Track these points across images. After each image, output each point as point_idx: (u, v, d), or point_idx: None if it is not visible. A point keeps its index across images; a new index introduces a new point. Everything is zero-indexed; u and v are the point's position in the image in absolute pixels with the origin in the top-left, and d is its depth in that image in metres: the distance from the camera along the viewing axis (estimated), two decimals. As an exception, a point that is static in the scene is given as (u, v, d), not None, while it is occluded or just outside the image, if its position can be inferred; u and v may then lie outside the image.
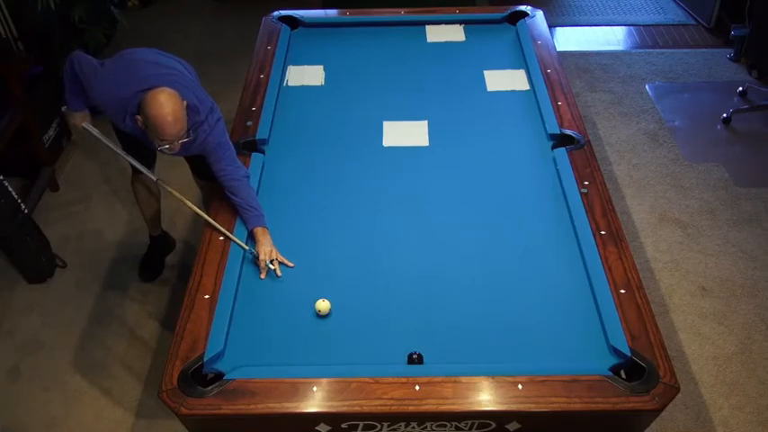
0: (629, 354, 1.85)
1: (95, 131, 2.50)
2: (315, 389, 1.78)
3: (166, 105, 2.05)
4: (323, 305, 2.02)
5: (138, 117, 2.12)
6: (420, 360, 1.88)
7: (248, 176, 2.34)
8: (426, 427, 1.83)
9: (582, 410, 1.74)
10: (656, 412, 1.77)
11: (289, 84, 3.00)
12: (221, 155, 2.29)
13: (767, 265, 3.12)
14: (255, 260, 2.18)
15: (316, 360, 1.91)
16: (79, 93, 2.40)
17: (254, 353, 1.93)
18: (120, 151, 2.51)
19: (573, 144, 2.59)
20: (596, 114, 4.05)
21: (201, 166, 2.74)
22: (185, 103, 2.13)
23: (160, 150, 2.19)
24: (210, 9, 5.18)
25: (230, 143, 2.34)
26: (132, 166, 2.71)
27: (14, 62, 3.33)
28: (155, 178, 2.41)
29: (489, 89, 2.94)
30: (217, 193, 2.40)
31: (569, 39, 4.78)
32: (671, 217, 3.38)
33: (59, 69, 3.70)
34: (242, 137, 2.62)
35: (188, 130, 2.14)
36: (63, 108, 2.55)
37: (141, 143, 2.45)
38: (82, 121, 2.52)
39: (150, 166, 2.65)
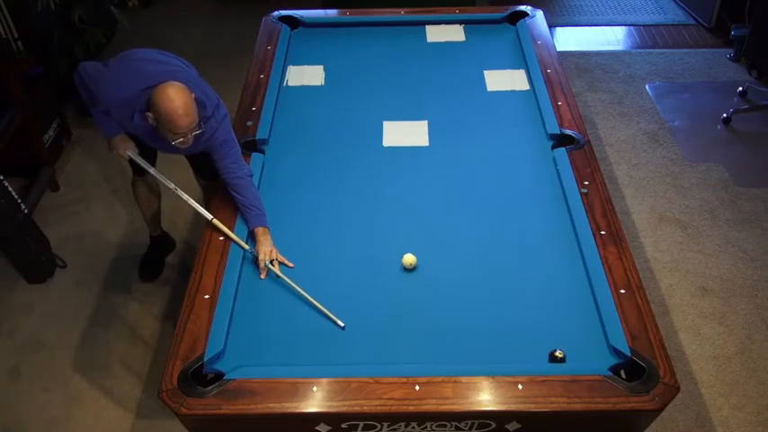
0: (629, 354, 1.85)
1: (141, 161, 2.49)
2: (315, 389, 1.78)
3: (177, 99, 2.04)
4: (411, 259, 2.13)
5: (149, 114, 2.11)
6: (563, 359, 1.87)
7: (252, 175, 2.34)
8: (426, 427, 1.83)
9: (582, 410, 1.74)
10: (656, 412, 1.77)
11: (289, 84, 3.00)
12: (227, 152, 2.28)
13: (767, 265, 3.12)
14: (255, 260, 2.18)
15: (316, 360, 1.91)
16: (97, 103, 2.34)
17: (254, 353, 1.93)
18: (165, 180, 2.46)
19: (573, 144, 2.59)
20: (596, 114, 4.05)
21: (203, 166, 2.74)
22: (193, 95, 2.13)
23: (174, 145, 2.18)
24: (210, 9, 5.18)
25: (236, 140, 2.34)
26: (133, 167, 2.71)
27: (14, 62, 3.33)
28: (208, 214, 2.35)
29: (489, 89, 2.94)
30: (218, 193, 2.40)
31: (569, 39, 4.78)
32: (671, 217, 3.38)
33: (59, 69, 3.71)
34: (242, 137, 2.62)
35: (199, 121, 2.14)
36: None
37: (144, 144, 2.45)
38: (125, 149, 2.49)
39: (152, 165, 2.64)
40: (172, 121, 2.06)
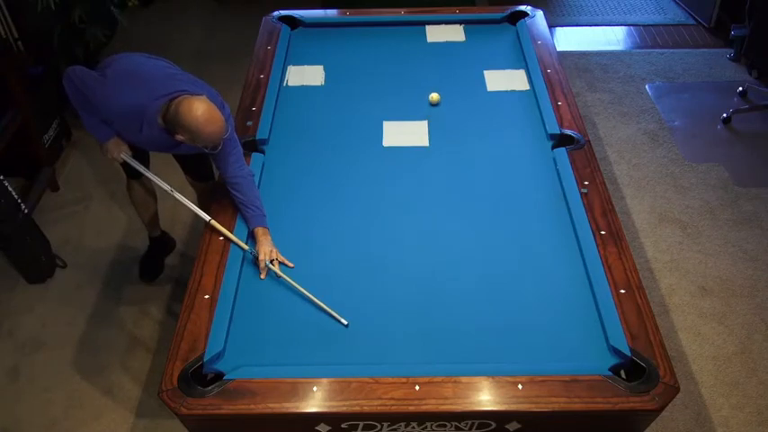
0: (629, 354, 1.85)
1: (136, 164, 2.47)
2: (315, 389, 1.78)
3: (211, 118, 2.05)
4: (434, 97, 2.62)
5: (179, 136, 2.10)
6: None
7: (253, 175, 2.34)
8: (426, 427, 1.83)
9: (582, 410, 1.74)
10: (656, 412, 1.77)
11: (289, 84, 2.99)
12: (229, 151, 2.28)
13: (767, 265, 3.12)
14: (255, 260, 2.18)
15: (316, 360, 1.91)
16: (92, 110, 2.31)
17: (254, 353, 1.93)
18: (160, 182, 2.46)
19: (573, 144, 2.59)
20: (596, 114, 4.05)
21: (195, 168, 2.73)
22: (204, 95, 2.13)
23: (169, 146, 2.17)
24: (210, 9, 5.18)
25: (238, 140, 2.34)
26: (127, 170, 2.69)
27: (14, 62, 3.33)
28: (205, 215, 2.33)
29: (489, 89, 2.94)
30: (216, 193, 2.39)
31: (569, 39, 4.78)
32: (671, 217, 3.38)
33: (59, 69, 3.71)
34: (242, 137, 2.61)
35: (227, 122, 2.16)
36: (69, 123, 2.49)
37: (137, 147, 2.43)
38: (119, 152, 2.46)
39: (146, 167, 2.63)
40: (210, 138, 2.08)
